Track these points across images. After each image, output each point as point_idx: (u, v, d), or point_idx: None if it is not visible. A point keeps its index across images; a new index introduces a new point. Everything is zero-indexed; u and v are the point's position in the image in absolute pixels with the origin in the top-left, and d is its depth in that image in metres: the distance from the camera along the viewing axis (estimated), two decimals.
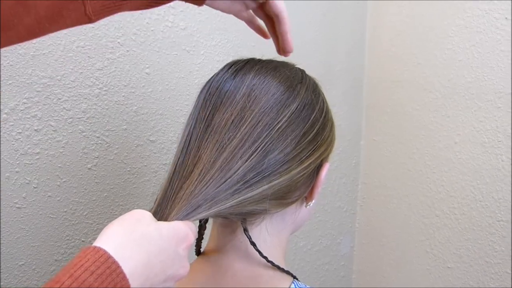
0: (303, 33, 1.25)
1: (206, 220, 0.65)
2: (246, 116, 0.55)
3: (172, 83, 1.02)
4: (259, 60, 0.62)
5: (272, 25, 0.68)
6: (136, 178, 1.00)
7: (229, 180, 0.52)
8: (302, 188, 0.60)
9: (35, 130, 0.86)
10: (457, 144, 1.23)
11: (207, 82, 0.61)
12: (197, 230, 0.60)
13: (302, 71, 0.63)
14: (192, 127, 0.57)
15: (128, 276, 0.43)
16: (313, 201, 0.63)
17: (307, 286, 0.61)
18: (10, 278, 0.88)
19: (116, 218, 0.49)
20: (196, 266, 0.62)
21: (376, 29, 1.40)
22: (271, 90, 0.56)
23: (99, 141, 0.93)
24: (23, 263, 0.89)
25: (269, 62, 0.61)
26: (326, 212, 1.41)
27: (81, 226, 0.94)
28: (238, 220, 0.58)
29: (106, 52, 0.92)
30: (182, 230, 0.50)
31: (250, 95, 0.56)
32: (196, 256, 0.65)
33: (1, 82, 0.82)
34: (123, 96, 0.95)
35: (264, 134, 0.54)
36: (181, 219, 0.51)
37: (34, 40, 0.84)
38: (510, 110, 1.12)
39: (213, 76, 0.61)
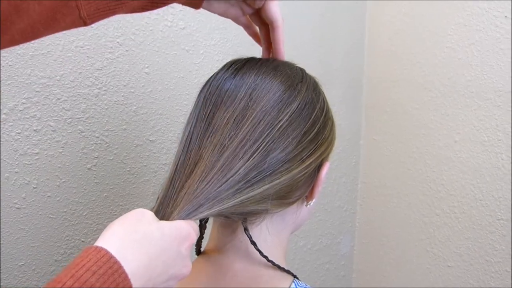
0: (302, 33, 1.25)
1: (207, 220, 0.65)
2: (247, 115, 0.55)
3: (172, 82, 1.01)
4: (259, 59, 0.62)
5: (266, 32, 0.68)
6: (135, 178, 0.99)
7: (230, 179, 0.52)
8: (303, 187, 0.60)
9: (34, 130, 0.86)
10: (457, 143, 1.23)
11: (207, 81, 0.61)
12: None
13: (302, 70, 0.62)
14: (193, 126, 0.57)
15: (130, 276, 0.43)
16: (314, 200, 0.62)
17: (308, 286, 0.61)
18: (10, 278, 0.87)
19: (116, 218, 0.48)
20: (196, 265, 0.61)
21: (375, 28, 1.40)
22: (272, 89, 0.56)
23: (99, 141, 0.93)
24: (23, 263, 0.88)
25: (270, 61, 0.61)
26: (326, 211, 1.41)
27: (81, 226, 0.94)
28: (239, 219, 0.58)
29: (105, 52, 0.92)
30: (184, 229, 0.50)
31: (251, 94, 0.56)
32: (197, 256, 0.65)
33: (1, 82, 0.82)
34: (122, 96, 0.95)
35: (266, 133, 0.54)
36: (183, 218, 0.51)
37: (35, 40, 0.83)
38: (510, 109, 1.12)
39: (213, 75, 0.61)
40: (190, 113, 0.60)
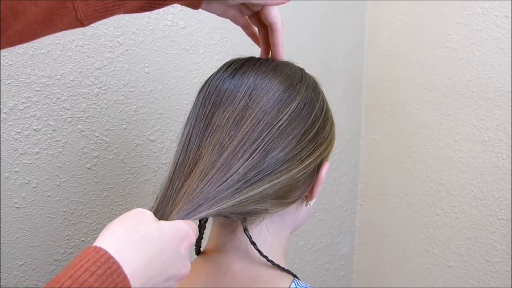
0: (302, 33, 1.25)
1: (206, 220, 0.65)
2: (246, 115, 0.54)
3: (172, 82, 1.01)
4: (258, 59, 0.62)
5: (265, 33, 0.67)
6: (135, 178, 0.99)
7: (230, 179, 0.52)
8: (303, 187, 0.60)
9: (34, 129, 0.86)
10: (457, 142, 1.23)
11: (206, 81, 0.61)
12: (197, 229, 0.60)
13: (302, 70, 0.62)
14: (192, 126, 0.57)
15: (129, 276, 0.43)
16: (313, 200, 0.62)
17: (308, 285, 0.61)
18: (10, 278, 0.87)
19: (116, 217, 0.48)
20: (196, 265, 0.61)
21: (375, 28, 1.40)
22: (272, 89, 0.56)
23: (99, 141, 0.93)
24: (22, 263, 0.88)
25: (269, 61, 0.61)
26: (326, 211, 1.41)
27: (81, 225, 0.94)
28: (239, 219, 0.58)
29: (105, 51, 0.91)
30: (183, 229, 0.49)
31: (251, 94, 0.56)
32: (196, 256, 0.65)
33: (1, 81, 0.82)
34: (122, 95, 0.95)
35: (265, 133, 0.54)
36: (182, 218, 0.51)
37: (33, 40, 0.83)
38: (510, 108, 1.12)
39: (212, 75, 0.61)
40: (189, 113, 0.60)
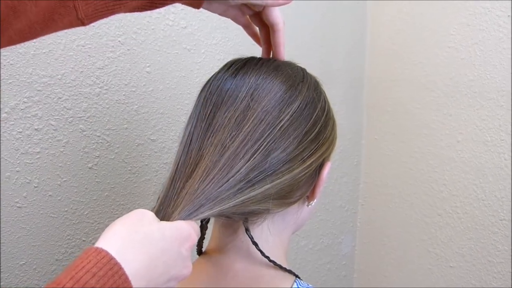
0: (303, 33, 1.25)
1: (208, 220, 0.65)
2: (248, 115, 0.54)
3: (173, 82, 1.01)
4: (260, 59, 0.62)
5: (266, 33, 0.67)
6: (137, 178, 0.99)
7: (231, 179, 0.52)
8: (304, 187, 0.60)
9: (36, 129, 0.86)
10: (459, 143, 1.22)
11: (208, 81, 0.61)
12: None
13: (303, 70, 0.62)
14: (193, 126, 0.57)
15: (130, 277, 0.42)
16: (315, 200, 0.62)
17: (310, 285, 0.61)
18: (11, 277, 0.87)
19: (117, 217, 0.48)
20: (197, 266, 0.61)
21: (376, 28, 1.39)
22: (273, 89, 0.56)
23: (100, 140, 0.93)
24: (23, 262, 0.88)
25: (270, 61, 0.61)
26: (327, 211, 1.41)
27: (82, 225, 0.94)
28: (240, 219, 0.58)
29: (107, 51, 0.91)
30: (185, 230, 0.49)
31: (252, 95, 0.56)
32: (198, 256, 0.65)
33: (2, 81, 0.82)
34: (123, 95, 0.95)
35: (267, 133, 0.54)
36: (184, 219, 0.51)
37: (34, 39, 0.83)
38: None
39: (213, 75, 0.61)
40: (191, 113, 0.59)
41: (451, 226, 1.26)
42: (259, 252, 0.58)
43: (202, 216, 0.51)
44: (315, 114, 0.57)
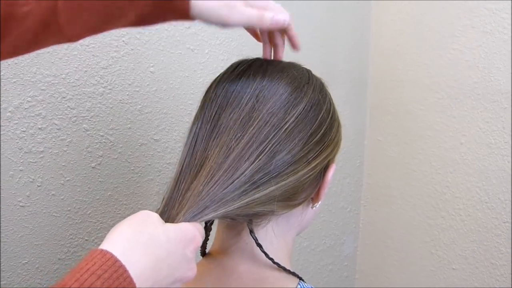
0: (306, 33, 1.25)
1: (212, 221, 0.65)
2: (253, 117, 0.54)
3: (177, 82, 1.01)
4: (265, 61, 0.61)
5: (267, 34, 0.66)
6: (139, 177, 0.99)
7: (236, 181, 0.52)
8: (309, 189, 0.60)
9: (39, 128, 0.86)
10: (462, 145, 1.22)
11: (213, 82, 0.61)
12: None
13: (309, 71, 0.62)
14: (198, 127, 0.57)
15: (135, 279, 0.43)
16: (320, 202, 0.62)
17: (313, 287, 0.61)
18: (14, 276, 0.87)
19: (120, 217, 0.48)
20: (201, 267, 0.61)
21: (379, 29, 1.39)
22: (279, 91, 0.56)
23: (103, 140, 0.93)
24: (26, 261, 0.88)
25: (276, 63, 0.60)
26: (330, 212, 1.41)
27: (85, 225, 0.94)
28: (245, 221, 0.58)
29: (111, 50, 0.91)
30: (189, 232, 0.49)
31: (258, 96, 0.55)
32: (201, 257, 0.65)
33: (6, 80, 0.82)
34: (127, 95, 0.95)
35: (272, 135, 0.54)
36: (189, 220, 0.51)
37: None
38: None
39: (219, 76, 0.61)
40: (196, 114, 0.59)
41: (454, 228, 1.26)
42: (263, 254, 0.58)
43: (207, 218, 0.51)
44: (320, 116, 0.57)
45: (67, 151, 0.89)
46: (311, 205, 0.62)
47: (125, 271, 0.42)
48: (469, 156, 1.21)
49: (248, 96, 0.56)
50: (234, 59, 0.63)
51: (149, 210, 0.51)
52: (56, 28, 0.50)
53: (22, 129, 0.84)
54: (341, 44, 1.35)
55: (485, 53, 1.16)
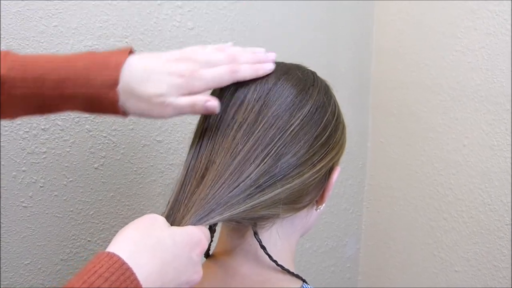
0: (308, 34, 1.25)
1: (216, 223, 0.65)
2: (259, 120, 0.54)
3: None
4: None
5: None
6: (142, 178, 0.99)
7: (242, 184, 0.52)
8: (314, 192, 0.59)
9: (42, 129, 0.86)
10: (465, 146, 1.22)
11: None
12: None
13: (314, 74, 0.62)
14: (204, 130, 0.57)
15: (142, 282, 0.43)
16: (324, 204, 0.62)
17: None
18: (16, 277, 0.88)
19: (122, 218, 0.49)
20: (205, 268, 0.61)
21: (382, 30, 1.39)
22: (284, 93, 0.56)
23: (106, 141, 0.93)
24: (28, 262, 0.88)
25: (281, 65, 0.60)
26: (332, 213, 1.41)
27: (87, 225, 0.94)
28: (249, 224, 0.58)
29: None
30: (195, 236, 0.49)
31: (263, 99, 0.55)
32: (205, 258, 0.65)
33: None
34: None
35: (277, 138, 0.54)
36: (194, 224, 0.51)
37: (42, 39, 0.84)
38: None
39: None
40: (200, 117, 0.59)
41: (456, 230, 1.26)
42: (267, 256, 0.58)
43: (213, 221, 0.51)
44: (325, 118, 0.57)
45: (70, 152, 0.89)
46: (315, 208, 0.62)
47: (132, 273, 0.42)
48: (471, 158, 1.21)
49: (254, 99, 0.55)
50: None
51: (152, 211, 0.51)
52: None
53: (25, 130, 0.84)
54: (343, 46, 1.35)
55: (488, 55, 1.15)
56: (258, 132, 0.54)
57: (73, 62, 0.55)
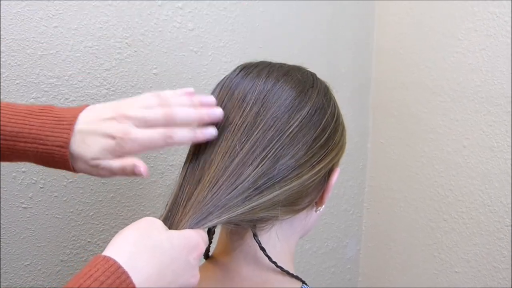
0: (308, 34, 1.25)
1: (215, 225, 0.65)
2: (258, 122, 0.54)
3: (180, 84, 1.01)
4: (270, 64, 0.61)
5: None
6: (142, 179, 0.99)
7: (240, 186, 0.52)
8: (313, 193, 0.59)
9: None
10: (465, 148, 1.22)
11: (218, 85, 0.61)
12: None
13: (313, 75, 0.62)
14: None
15: (139, 285, 0.43)
16: (323, 205, 0.62)
17: None
18: (16, 278, 0.88)
19: (122, 218, 0.49)
20: (204, 270, 0.61)
21: (383, 31, 1.39)
22: (283, 95, 0.56)
23: None
24: (28, 263, 0.88)
25: (281, 66, 0.60)
26: (332, 214, 1.41)
27: (87, 226, 0.94)
28: (248, 226, 0.58)
29: (114, 52, 0.91)
30: (193, 239, 0.49)
31: (262, 100, 0.55)
32: (204, 260, 0.65)
33: (9, 81, 0.82)
34: (130, 96, 0.94)
35: (276, 139, 0.53)
36: (192, 227, 0.51)
37: (42, 40, 0.84)
38: None
39: (223, 79, 0.61)
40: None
41: (456, 232, 1.26)
42: (266, 258, 0.58)
43: (211, 224, 0.51)
44: (324, 120, 0.57)
45: None
46: (315, 209, 0.62)
47: (128, 277, 0.42)
48: (472, 159, 1.21)
49: (253, 100, 0.55)
50: (238, 61, 0.63)
51: (152, 212, 0.51)
52: None
53: None
54: (343, 46, 1.35)
55: (488, 56, 1.15)
56: (256, 133, 0.53)
57: (30, 118, 0.56)
